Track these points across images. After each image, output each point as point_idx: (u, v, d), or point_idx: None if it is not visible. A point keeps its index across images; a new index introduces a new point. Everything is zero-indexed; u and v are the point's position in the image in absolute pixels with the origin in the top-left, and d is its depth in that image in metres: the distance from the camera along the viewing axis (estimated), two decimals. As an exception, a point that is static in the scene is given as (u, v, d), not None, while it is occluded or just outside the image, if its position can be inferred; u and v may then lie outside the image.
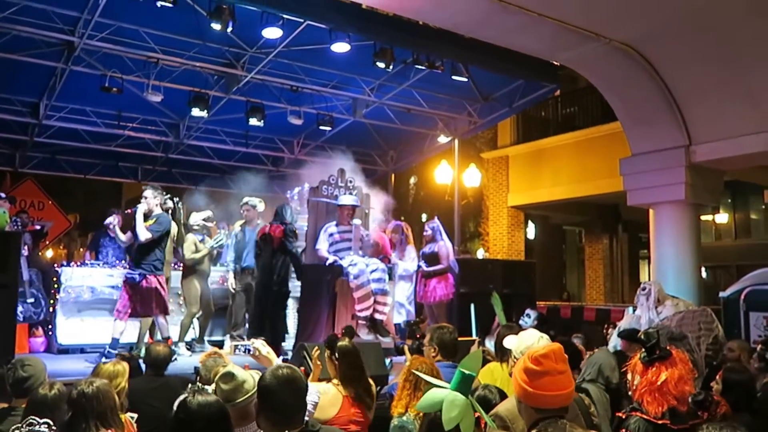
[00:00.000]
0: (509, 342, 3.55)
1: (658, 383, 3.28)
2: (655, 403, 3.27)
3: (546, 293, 13.96)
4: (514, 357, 3.28)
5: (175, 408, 2.50)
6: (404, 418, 3.65)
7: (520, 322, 7.43)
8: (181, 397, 2.53)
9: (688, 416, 3.27)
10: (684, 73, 8.40)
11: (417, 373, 3.50)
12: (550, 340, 3.17)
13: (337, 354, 3.89)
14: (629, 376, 3.49)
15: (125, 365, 3.82)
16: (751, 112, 8.11)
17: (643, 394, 3.30)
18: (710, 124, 8.59)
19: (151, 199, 7.14)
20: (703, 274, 11.09)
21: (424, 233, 8.86)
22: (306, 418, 2.63)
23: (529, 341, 3.26)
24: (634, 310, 8.46)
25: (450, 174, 14.70)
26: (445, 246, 8.76)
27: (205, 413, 2.43)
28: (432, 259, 8.69)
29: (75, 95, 10.52)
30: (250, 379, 3.02)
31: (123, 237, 7.14)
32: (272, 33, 8.36)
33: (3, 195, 6.95)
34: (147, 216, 7.07)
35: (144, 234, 6.94)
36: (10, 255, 6.09)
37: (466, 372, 2.34)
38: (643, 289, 7.17)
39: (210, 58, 9.59)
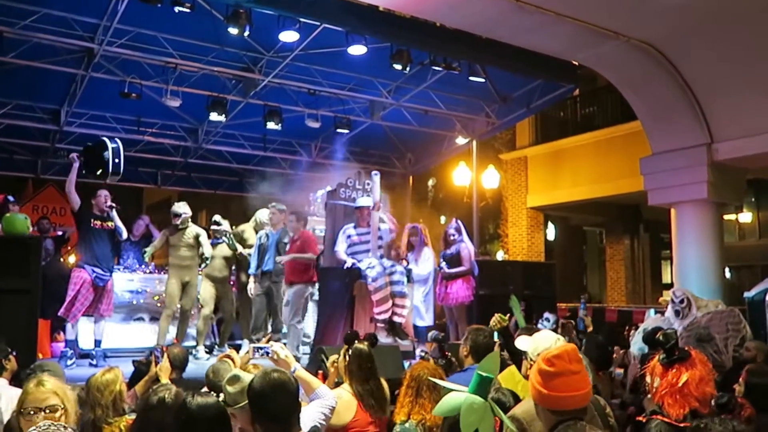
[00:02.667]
0: (522, 343, 3.50)
1: (679, 385, 3.22)
2: (677, 406, 3.21)
3: (566, 295, 13.82)
4: (531, 359, 3.23)
5: (177, 411, 2.50)
6: (407, 425, 3.61)
7: (539, 325, 7.35)
8: (182, 401, 2.53)
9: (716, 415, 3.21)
10: (704, 70, 8.29)
11: (435, 380, 3.47)
12: (566, 342, 3.12)
13: (350, 353, 3.91)
14: (648, 379, 3.43)
15: (117, 371, 3.82)
16: (774, 109, 8.00)
17: (663, 396, 3.24)
18: (732, 121, 8.47)
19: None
20: (727, 275, 10.92)
21: (450, 237, 8.76)
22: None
23: (546, 343, 3.20)
24: (656, 314, 8.34)
25: (468, 176, 14.63)
26: (467, 248, 8.71)
27: (205, 415, 2.43)
28: (454, 260, 8.64)
29: (95, 101, 10.63)
30: None
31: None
32: (289, 36, 8.38)
33: (12, 198, 7.09)
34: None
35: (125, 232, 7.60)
36: (32, 260, 6.15)
37: (484, 374, 2.31)
38: (681, 301, 6.92)
39: (228, 63, 9.65)
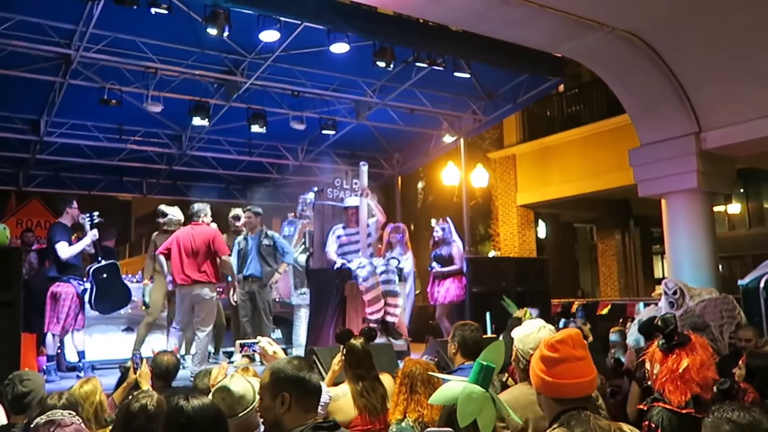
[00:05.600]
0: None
1: (680, 371, 3.13)
2: (678, 392, 3.12)
3: (560, 291, 13.77)
4: (518, 349, 3.11)
5: (169, 414, 2.36)
6: (403, 424, 3.50)
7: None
8: (174, 403, 2.39)
9: (712, 404, 3.12)
10: (690, 59, 8.24)
11: (435, 374, 3.35)
12: (554, 330, 2.99)
13: (345, 351, 3.81)
14: (647, 366, 3.33)
15: (95, 381, 3.67)
16: (761, 96, 7.95)
17: (664, 383, 3.15)
18: (720, 109, 8.43)
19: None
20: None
21: (434, 233, 8.73)
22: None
23: (528, 330, 3.09)
24: (645, 306, 8.26)
25: (457, 175, 14.56)
26: (458, 246, 8.65)
27: (206, 415, 2.31)
28: (446, 260, 8.57)
29: (75, 110, 10.46)
30: (249, 391, 2.87)
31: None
32: (270, 36, 8.26)
33: None
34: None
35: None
36: (13, 272, 5.99)
37: (485, 363, 2.19)
38: (675, 293, 6.85)
39: (209, 66, 9.50)
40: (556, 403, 2.20)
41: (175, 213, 7.86)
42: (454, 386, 2.19)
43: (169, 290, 7.59)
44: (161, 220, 7.79)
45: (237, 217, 8.65)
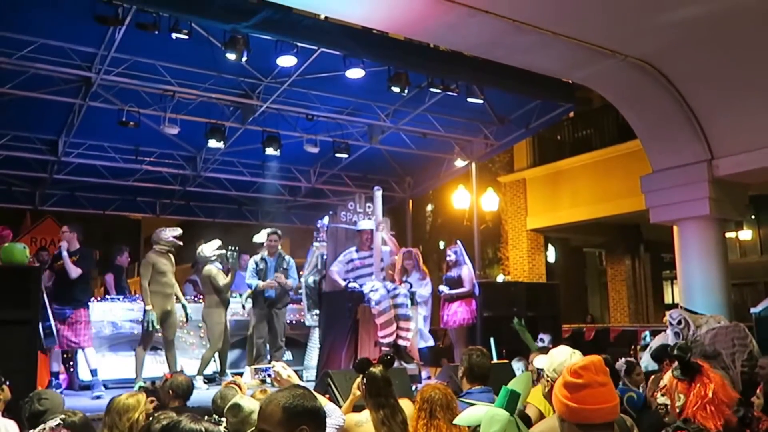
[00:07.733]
0: (539, 361, 3.43)
1: (710, 396, 3.12)
2: (713, 417, 3.10)
3: (569, 317, 13.73)
4: (547, 376, 3.16)
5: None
6: None
7: None
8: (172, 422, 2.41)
9: (739, 429, 3.13)
10: (702, 86, 8.31)
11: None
12: (582, 356, 3.04)
13: (365, 379, 3.82)
14: (662, 399, 3.31)
15: (140, 398, 3.70)
16: (773, 124, 8.00)
17: (696, 410, 3.13)
18: (732, 136, 8.48)
19: (68, 234, 7.46)
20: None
21: (447, 258, 8.79)
22: None
23: (560, 357, 3.14)
24: (651, 335, 8.24)
25: (467, 199, 14.61)
26: (469, 269, 8.68)
27: None
28: (456, 283, 8.60)
29: (93, 131, 10.57)
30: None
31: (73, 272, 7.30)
32: (286, 61, 8.37)
33: None
34: (70, 253, 7.34)
35: (74, 271, 7.25)
36: (31, 291, 6.07)
37: (512, 389, 2.25)
38: (679, 323, 6.85)
39: (225, 89, 9.62)
40: (579, 428, 2.24)
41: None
42: (479, 409, 2.25)
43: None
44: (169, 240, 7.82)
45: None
